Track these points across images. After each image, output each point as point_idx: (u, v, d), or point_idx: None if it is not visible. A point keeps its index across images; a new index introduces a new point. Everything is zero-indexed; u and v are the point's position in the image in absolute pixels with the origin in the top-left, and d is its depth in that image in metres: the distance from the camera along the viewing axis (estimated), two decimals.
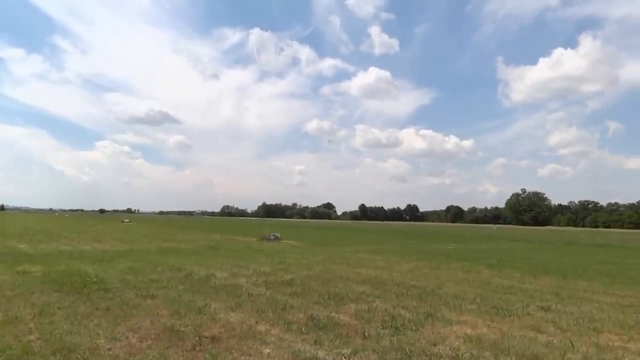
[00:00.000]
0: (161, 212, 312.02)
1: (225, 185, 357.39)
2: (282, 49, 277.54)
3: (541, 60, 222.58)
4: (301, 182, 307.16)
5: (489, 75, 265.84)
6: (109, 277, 10.25)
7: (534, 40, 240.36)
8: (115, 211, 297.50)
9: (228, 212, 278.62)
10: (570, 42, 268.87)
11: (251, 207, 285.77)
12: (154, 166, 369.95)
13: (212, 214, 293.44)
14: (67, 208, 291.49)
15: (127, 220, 68.95)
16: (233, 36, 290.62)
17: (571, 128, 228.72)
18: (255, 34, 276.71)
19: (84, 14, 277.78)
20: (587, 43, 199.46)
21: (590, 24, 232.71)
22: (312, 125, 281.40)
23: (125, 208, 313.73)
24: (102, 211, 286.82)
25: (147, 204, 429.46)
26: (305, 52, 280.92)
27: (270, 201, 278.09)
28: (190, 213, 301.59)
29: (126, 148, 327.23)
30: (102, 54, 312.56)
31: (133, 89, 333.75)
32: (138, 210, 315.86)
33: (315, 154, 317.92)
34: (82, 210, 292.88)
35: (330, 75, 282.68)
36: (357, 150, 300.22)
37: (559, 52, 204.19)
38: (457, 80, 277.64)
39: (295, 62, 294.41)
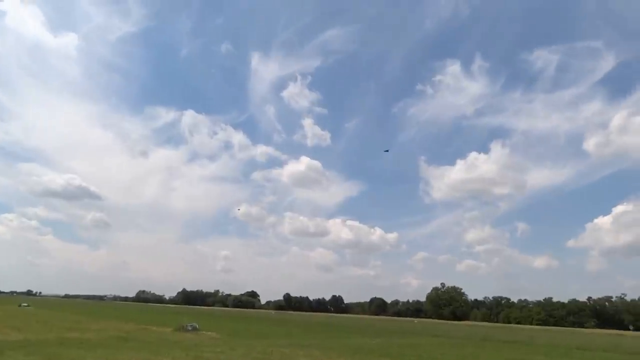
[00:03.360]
0: (67, 296, 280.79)
1: (143, 268, 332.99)
2: (215, 132, 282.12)
3: (458, 162, 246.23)
4: (226, 268, 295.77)
5: (412, 173, 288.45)
6: None
7: (453, 143, 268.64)
8: (12, 293, 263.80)
9: (144, 298, 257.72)
10: (484, 148, 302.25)
11: (169, 293, 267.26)
12: (65, 244, 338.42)
13: (126, 299, 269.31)
14: None
15: (26, 304, 61.68)
16: (166, 115, 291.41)
17: (485, 227, 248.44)
18: (189, 115, 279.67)
19: (7, 80, 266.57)
20: (498, 149, 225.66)
21: (500, 133, 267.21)
22: (240, 210, 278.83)
23: (25, 290, 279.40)
24: None
25: (52, 286, 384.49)
26: (238, 137, 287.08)
27: (190, 287, 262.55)
28: (102, 297, 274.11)
29: (35, 223, 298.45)
30: (22, 122, 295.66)
31: (52, 161, 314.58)
32: (40, 293, 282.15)
33: (242, 240, 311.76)
34: None
35: (263, 161, 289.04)
36: (285, 237, 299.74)
37: (473, 156, 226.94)
38: (384, 175, 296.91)
39: (228, 146, 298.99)
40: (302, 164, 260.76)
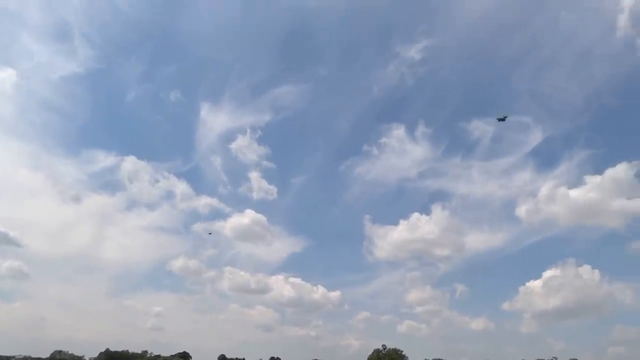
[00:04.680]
0: None
1: (64, 325, 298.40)
2: (157, 180, 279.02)
3: (402, 222, 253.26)
4: (157, 325, 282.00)
5: (357, 231, 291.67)
6: None
7: (396, 203, 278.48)
8: None
9: (60, 359, 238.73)
10: (426, 209, 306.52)
11: (90, 354, 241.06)
12: None
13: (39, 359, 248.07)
14: None
15: None
16: (105, 160, 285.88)
17: (426, 287, 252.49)
18: (130, 161, 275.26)
19: None
20: (438, 212, 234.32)
21: (440, 196, 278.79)
22: (178, 263, 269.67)
23: None
24: None
25: None
26: (181, 187, 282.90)
27: (115, 347, 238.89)
28: (8, 358, 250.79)
29: None
30: None
31: None
32: None
33: (177, 295, 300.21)
34: None
35: (205, 213, 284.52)
36: (223, 293, 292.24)
37: (416, 216, 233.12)
38: (328, 233, 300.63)
39: (169, 195, 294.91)
40: (246, 218, 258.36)
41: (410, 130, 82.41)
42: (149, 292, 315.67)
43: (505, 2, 77.90)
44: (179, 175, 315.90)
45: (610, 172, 64.27)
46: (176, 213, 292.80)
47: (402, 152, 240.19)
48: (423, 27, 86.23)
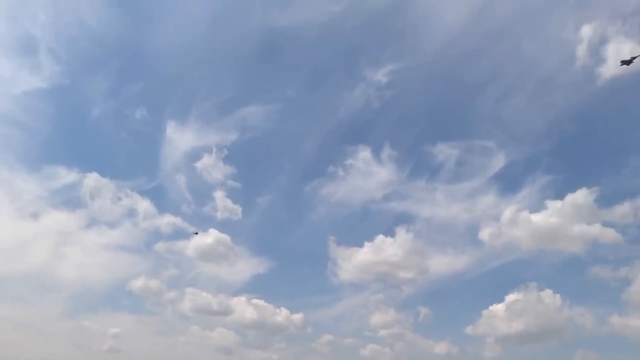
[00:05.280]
0: None
1: (13, 347, 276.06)
2: (119, 198, 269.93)
3: (366, 244, 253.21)
4: (114, 347, 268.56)
5: (321, 253, 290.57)
6: None
7: (361, 225, 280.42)
8: None
9: None
10: (390, 232, 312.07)
11: None
12: None
13: None
14: None
15: None
16: (67, 176, 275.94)
17: (390, 310, 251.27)
18: (93, 178, 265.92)
19: None
20: (402, 234, 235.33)
21: (405, 219, 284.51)
22: (138, 283, 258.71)
23: None
24: None
25: None
26: (144, 205, 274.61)
27: None
28: None
29: None
30: None
31: None
32: None
33: (136, 316, 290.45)
34: None
35: (168, 232, 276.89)
36: (184, 315, 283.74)
37: (380, 239, 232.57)
38: (292, 254, 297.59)
39: (131, 213, 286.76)
40: (210, 237, 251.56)
41: (376, 152, 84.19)
42: (107, 313, 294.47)
43: (470, 30, 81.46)
44: (143, 193, 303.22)
45: (570, 198, 66.48)
46: (138, 232, 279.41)
47: (368, 174, 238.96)
48: (390, 51, 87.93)
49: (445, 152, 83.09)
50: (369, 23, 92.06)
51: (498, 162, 78.31)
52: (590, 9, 76.33)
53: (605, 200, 66.57)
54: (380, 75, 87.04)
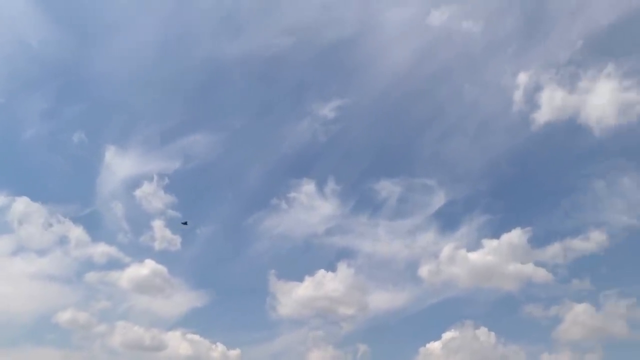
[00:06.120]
0: None
1: None
2: (50, 225, 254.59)
3: (307, 278, 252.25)
4: None
5: (261, 286, 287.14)
6: None
7: (303, 259, 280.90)
8: None
9: None
10: (331, 267, 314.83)
11: None
12: None
13: None
14: None
15: None
16: None
17: (329, 347, 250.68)
18: (23, 202, 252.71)
19: None
20: (344, 269, 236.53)
21: (346, 254, 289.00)
22: (65, 316, 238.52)
23: None
24: None
25: None
26: (77, 233, 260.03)
27: None
28: None
29: None
30: None
31: None
32: None
33: (61, 351, 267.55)
34: None
35: (102, 262, 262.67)
36: (114, 350, 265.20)
37: (321, 273, 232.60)
38: (231, 287, 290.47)
39: (63, 241, 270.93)
40: (146, 268, 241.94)
41: (320, 186, 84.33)
42: (29, 348, 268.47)
43: (415, 71, 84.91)
44: (76, 220, 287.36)
45: (506, 237, 68.48)
46: (69, 260, 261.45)
47: (311, 208, 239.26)
48: (337, 86, 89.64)
49: (388, 188, 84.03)
50: (318, 58, 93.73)
51: (438, 200, 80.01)
52: (526, 57, 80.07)
53: (538, 241, 69.26)
54: (327, 110, 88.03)
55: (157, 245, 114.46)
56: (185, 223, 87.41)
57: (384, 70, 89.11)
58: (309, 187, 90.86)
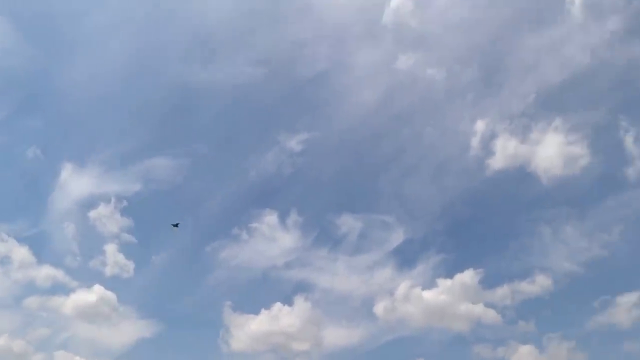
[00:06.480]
0: None
1: None
2: None
3: (263, 311, 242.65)
4: None
5: (215, 318, 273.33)
6: None
7: (260, 291, 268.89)
8: None
9: None
10: (288, 300, 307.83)
11: None
12: None
13: None
14: None
15: None
16: None
17: None
18: None
19: None
20: (300, 303, 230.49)
21: (304, 287, 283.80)
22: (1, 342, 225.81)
23: None
24: None
25: None
26: (21, 253, 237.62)
27: None
28: None
29: None
30: None
31: None
32: None
33: None
34: None
35: (45, 286, 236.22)
36: None
37: (278, 307, 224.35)
38: (184, 318, 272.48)
39: (4, 261, 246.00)
40: (93, 294, 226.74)
41: (283, 218, 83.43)
42: None
43: (380, 111, 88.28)
44: (21, 239, 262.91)
45: (459, 277, 70.23)
46: (9, 283, 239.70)
47: (272, 239, 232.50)
48: (306, 120, 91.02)
49: (349, 223, 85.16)
50: (289, 90, 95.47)
51: (397, 237, 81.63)
52: (484, 106, 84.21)
53: (489, 282, 71.38)
54: (294, 143, 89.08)
55: (108, 271, 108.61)
56: (176, 225, 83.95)
57: (352, 108, 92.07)
58: (271, 218, 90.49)
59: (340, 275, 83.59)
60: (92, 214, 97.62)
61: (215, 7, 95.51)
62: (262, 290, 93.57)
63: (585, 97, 78.13)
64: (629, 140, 68.78)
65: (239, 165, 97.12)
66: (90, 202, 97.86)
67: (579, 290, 68.45)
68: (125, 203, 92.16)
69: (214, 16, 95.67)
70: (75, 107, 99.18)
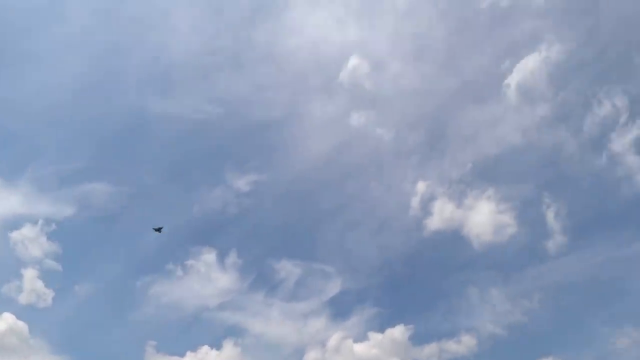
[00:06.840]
0: None
1: None
2: None
3: (189, 354, 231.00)
4: None
5: (137, 359, 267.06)
6: None
7: (189, 332, 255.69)
8: None
9: None
10: (217, 343, 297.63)
11: None
12: None
13: None
14: None
15: None
16: None
17: None
18: None
19: None
20: (229, 348, 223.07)
21: (235, 331, 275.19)
22: None
23: None
24: None
25: None
26: None
27: None
28: None
29: None
30: None
31: None
32: None
33: None
34: None
35: None
36: None
37: (205, 350, 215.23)
38: (102, 356, 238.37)
39: None
40: (2, 323, 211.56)
41: (221, 257, 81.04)
42: None
43: (330, 162, 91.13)
44: None
45: (389, 332, 71.40)
46: None
47: (208, 279, 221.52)
48: (256, 162, 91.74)
49: (288, 269, 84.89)
50: (243, 131, 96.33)
51: (334, 287, 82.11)
52: (426, 169, 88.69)
53: (418, 338, 72.60)
54: (243, 183, 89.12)
55: (22, 298, 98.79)
56: (159, 230, 77.71)
57: (302, 156, 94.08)
58: (209, 256, 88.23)
59: (273, 321, 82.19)
60: (14, 234, 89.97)
61: (182, 42, 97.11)
62: (191, 331, 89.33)
63: (515, 171, 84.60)
64: (550, 215, 74.12)
65: (183, 199, 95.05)
66: (14, 222, 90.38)
67: (501, 352, 71.03)
68: (54, 226, 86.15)
69: (179, 50, 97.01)
70: (13, 119, 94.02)
